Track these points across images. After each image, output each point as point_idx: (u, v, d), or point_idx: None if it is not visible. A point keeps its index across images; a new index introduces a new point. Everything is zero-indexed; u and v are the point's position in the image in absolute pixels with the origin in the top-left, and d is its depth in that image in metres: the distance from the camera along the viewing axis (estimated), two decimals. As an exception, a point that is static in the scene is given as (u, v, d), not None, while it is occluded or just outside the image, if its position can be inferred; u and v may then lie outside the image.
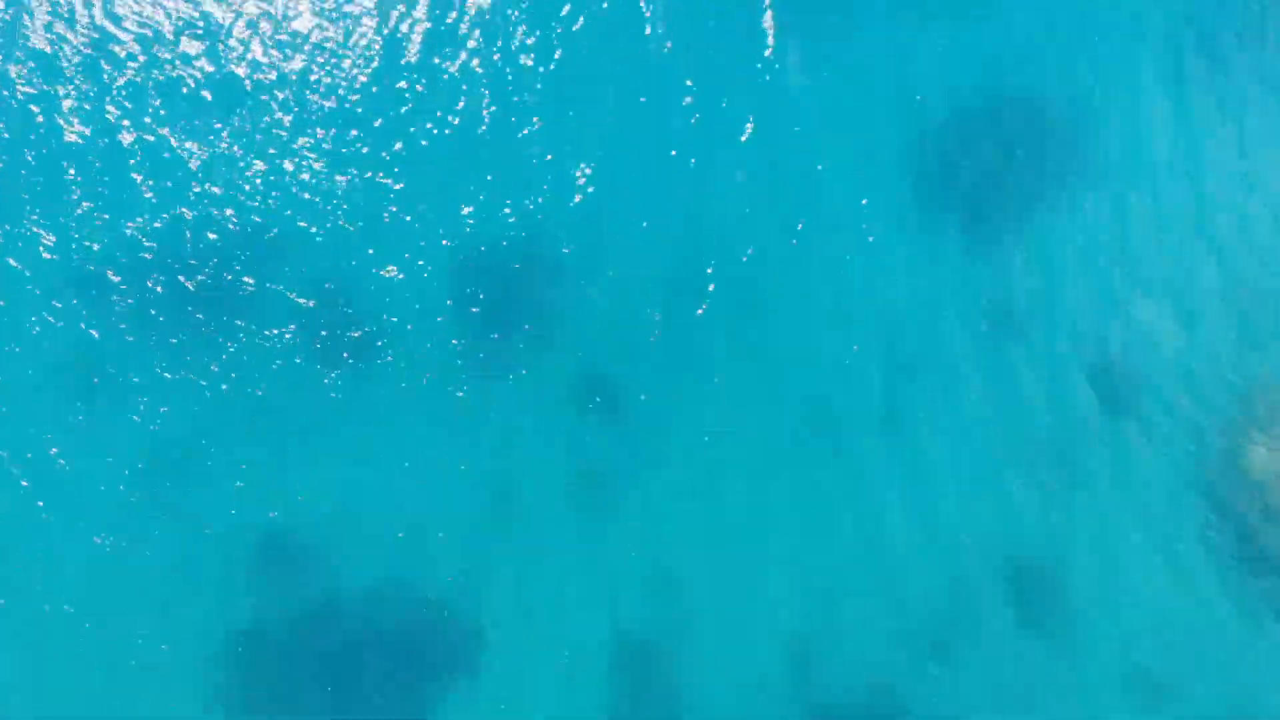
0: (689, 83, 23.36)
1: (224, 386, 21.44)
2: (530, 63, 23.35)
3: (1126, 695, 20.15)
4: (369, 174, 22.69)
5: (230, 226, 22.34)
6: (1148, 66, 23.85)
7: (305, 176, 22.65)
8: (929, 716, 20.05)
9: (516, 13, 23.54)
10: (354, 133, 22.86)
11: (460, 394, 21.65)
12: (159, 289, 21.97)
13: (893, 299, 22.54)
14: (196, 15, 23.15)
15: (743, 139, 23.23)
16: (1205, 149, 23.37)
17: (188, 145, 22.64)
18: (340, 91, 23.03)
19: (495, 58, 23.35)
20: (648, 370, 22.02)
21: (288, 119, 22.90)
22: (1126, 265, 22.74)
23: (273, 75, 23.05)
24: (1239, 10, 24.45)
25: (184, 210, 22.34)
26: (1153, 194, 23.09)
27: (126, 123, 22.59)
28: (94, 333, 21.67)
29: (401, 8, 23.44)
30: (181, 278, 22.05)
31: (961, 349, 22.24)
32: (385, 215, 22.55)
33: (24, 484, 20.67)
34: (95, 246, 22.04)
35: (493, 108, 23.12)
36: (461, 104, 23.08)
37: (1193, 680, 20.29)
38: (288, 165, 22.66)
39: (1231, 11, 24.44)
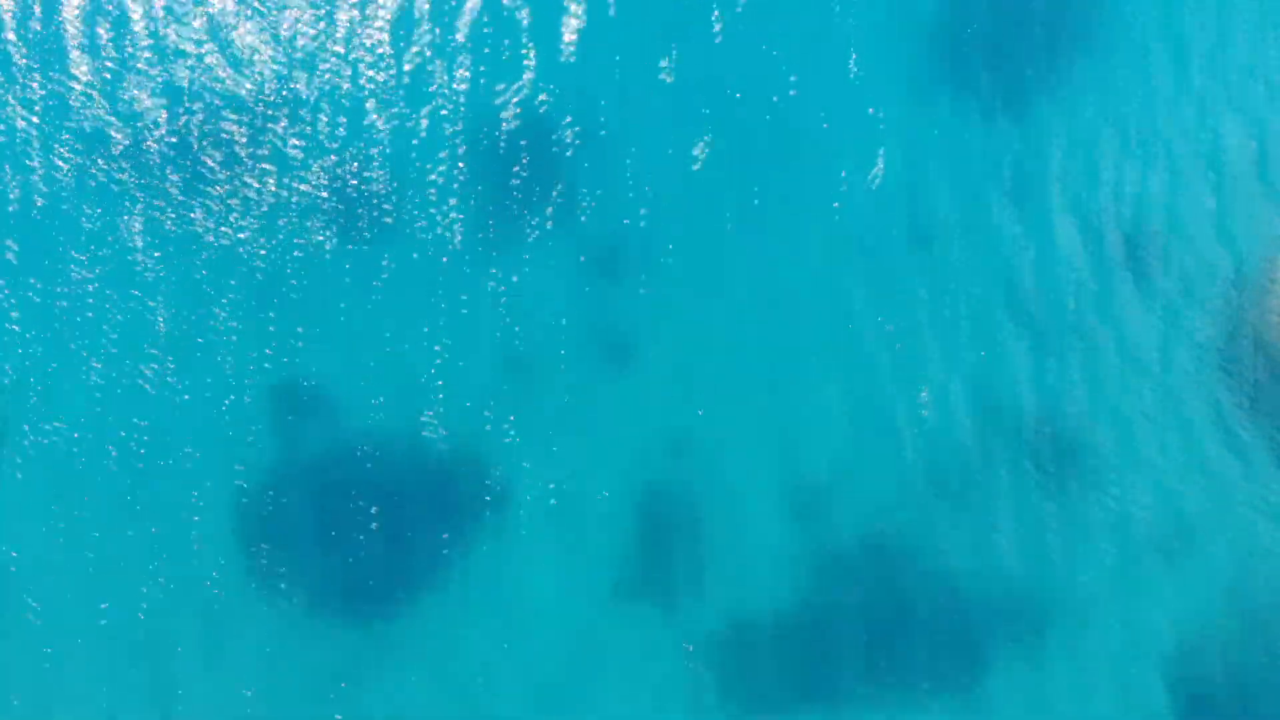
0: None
1: (237, 249, 21.58)
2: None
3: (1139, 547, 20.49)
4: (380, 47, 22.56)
5: (242, 90, 22.26)
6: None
7: (320, 43, 22.51)
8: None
9: None
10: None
11: (476, 256, 21.79)
12: (168, 151, 21.96)
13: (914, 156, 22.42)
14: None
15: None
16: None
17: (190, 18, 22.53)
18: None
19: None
20: (661, 228, 22.05)
21: None
22: (1150, 126, 22.45)
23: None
24: None
25: (190, 76, 22.32)
26: (1181, 56, 22.74)
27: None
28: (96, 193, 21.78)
29: None
30: (193, 141, 22.04)
31: (980, 213, 22.15)
32: (401, 86, 22.46)
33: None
34: (100, 111, 22.09)
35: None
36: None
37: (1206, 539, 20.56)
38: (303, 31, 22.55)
39: None
